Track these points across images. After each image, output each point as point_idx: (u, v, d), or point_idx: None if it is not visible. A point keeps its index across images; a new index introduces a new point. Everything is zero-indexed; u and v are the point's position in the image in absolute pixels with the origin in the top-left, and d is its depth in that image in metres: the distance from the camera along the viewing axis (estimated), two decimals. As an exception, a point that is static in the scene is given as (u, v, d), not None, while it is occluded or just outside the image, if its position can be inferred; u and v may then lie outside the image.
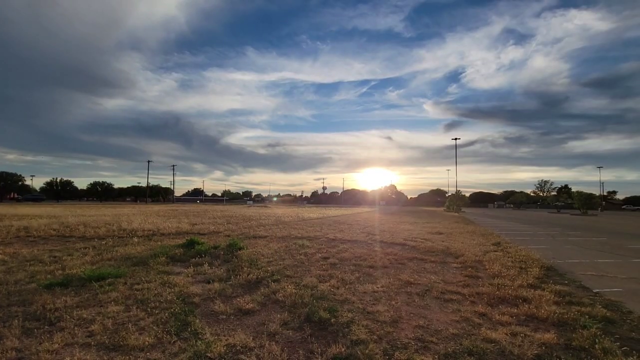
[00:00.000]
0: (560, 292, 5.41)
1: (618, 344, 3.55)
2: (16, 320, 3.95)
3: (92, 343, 3.42)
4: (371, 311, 4.45)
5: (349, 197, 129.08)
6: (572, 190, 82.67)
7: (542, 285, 5.85)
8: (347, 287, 5.60)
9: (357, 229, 16.23)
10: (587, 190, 60.47)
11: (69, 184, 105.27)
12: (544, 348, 3.43)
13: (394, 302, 4.84)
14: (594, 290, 5.69)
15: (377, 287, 5.58)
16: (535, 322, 4.19)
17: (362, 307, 4.59)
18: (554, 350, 3.39)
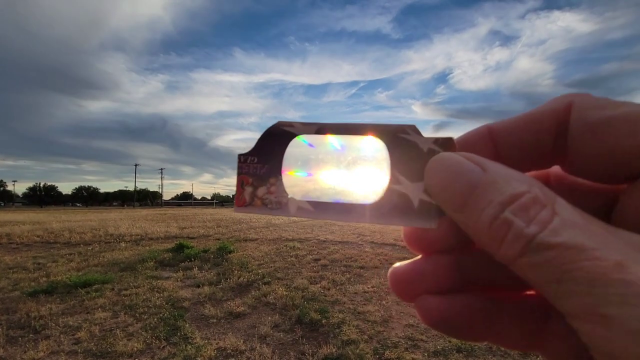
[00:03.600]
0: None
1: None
2: (0, 329, 3.85)
3: (79, 350, 3.36)
4: (362, 311, 4.48)
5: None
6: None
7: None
8: (337, 288, 5.62)
9: (347, 230, 16.29)
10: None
11: (52, 189, 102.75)
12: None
13: (384, 302, 4.88)
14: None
15: (368, 288, 5.61)
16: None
17: (353, 308, 4.62)
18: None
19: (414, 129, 0.27)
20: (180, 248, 9.22)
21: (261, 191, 0.29)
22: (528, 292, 0.26)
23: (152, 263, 7.59)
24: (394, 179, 0.27)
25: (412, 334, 3.76)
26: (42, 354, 3.29)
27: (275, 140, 0.30)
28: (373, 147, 0.29)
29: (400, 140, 0.27)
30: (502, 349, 3.41)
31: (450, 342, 3.54)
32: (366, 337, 3.66)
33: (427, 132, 0.28)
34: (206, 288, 5.52)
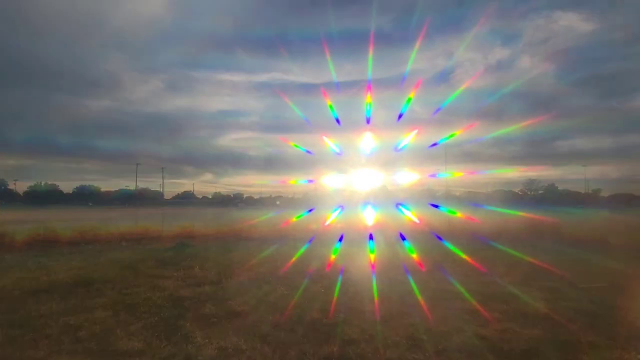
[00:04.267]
0: (549, 288, 5.51)
1: (603, 337, 3.62)
2: (0, 328, 3.84)
3: (79, 349, 3.35)
4: (363, 311, 4.46)
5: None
6: (559, 188, 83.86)
7: (531, 282, 5.94)
8: (339, 287, 5.60)
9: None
10: (572, 188, 62.19)
11: (54, 188, 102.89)
12: (532, 343, 3.48)
13: (385, 302, 4.86)
14: (580, 286, 5.80)
15: (369, 287, 5.60)
16: (525, 317, 4.25)
17: (355, 307, 4.60)
18: (542, 345, 3.44)
19: None
20: (181, 247, 9.22)
21: None
22: None
23: (152, 262, 7.59)
24: None
25: (413, 333, 3.73)
26: (42, 353, 3.27)
27: None
28: None
29: None
30: (504, 347, 3.39)
31: (452, 341, 3.51)
32: (367, 336, 3.64)
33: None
34: (207, 287, 5.51)
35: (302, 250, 9.44)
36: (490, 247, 9.92)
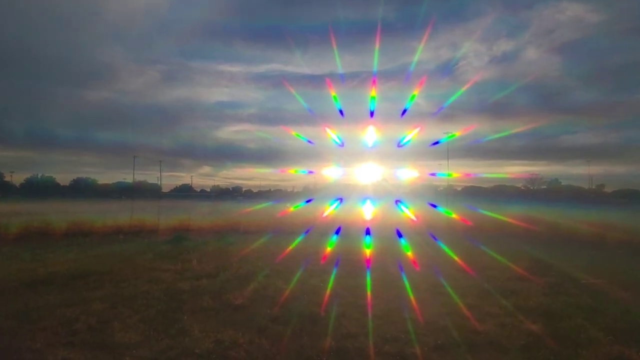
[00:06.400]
0: (549, 284, 5.52)
1: (603, 333, 3.62)
2: (-5, 320, 3.81)
3: (76, 342, 3.32)
4: (362, 305, 4.45)
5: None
6: (563, 184, 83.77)
7: (531, 277, 5.95)
8: (338, 281, 5.60)
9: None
10: (576, 184, 62.58)
11: (51, 180, 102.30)
12: (531, 338, 3.48)
13: (384, 296, 4.85)
14: (581, 282, 5.81)
15: (366, 281, 5.59)
16: (524, 312, 4.25)
17: (353, 301, 4.59)
18: (541, 341, 3.44)
19: None
20: (179, 240, 9.19)
21: None
22: None
23: (150, 255, 7.57)
24: None
25: (412, 328, 3.72)
26: (39, 345, 3.24)
27: None
28: None
29: None
30: (504, 342, 3.38)
31: (451, 336, 3.50)
32: (366, 330, 3.63)
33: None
34: (205, 280, 5.48)
35: (299, 243, 9.42)
36: (488, 247, 9.96)
